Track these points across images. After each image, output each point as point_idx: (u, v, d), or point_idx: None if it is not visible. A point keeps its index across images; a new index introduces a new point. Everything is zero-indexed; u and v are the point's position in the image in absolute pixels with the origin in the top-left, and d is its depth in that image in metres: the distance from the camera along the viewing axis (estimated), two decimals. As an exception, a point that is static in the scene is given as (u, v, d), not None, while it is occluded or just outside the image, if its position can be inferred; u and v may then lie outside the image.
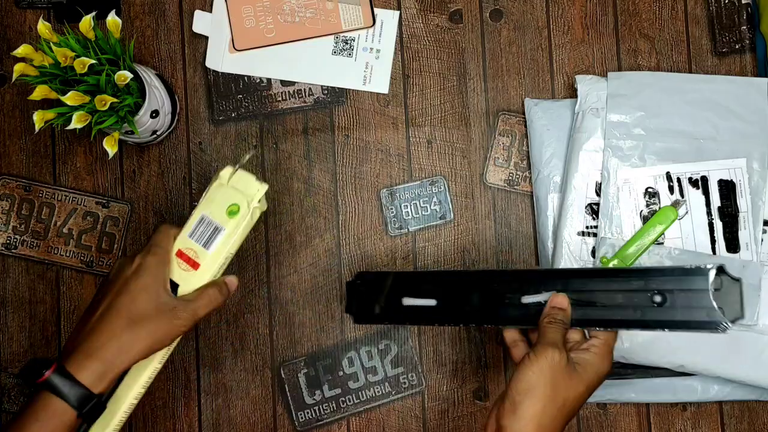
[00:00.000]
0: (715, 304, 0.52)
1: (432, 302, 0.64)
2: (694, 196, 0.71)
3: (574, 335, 0.60)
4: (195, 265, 0.58)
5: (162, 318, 0.54)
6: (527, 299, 0.60)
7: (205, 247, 0.58)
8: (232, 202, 0.59)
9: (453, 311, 0.63)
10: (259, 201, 0.60)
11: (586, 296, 0.57)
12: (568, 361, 0.55)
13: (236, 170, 0.60)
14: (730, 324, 0.52)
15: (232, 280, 0.60)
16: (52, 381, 0.51)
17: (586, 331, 0.60)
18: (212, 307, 0.58)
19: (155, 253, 0.56)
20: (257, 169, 0.78)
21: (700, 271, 0.53)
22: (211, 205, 0.59)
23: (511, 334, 0.61)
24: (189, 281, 0.58)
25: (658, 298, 0.54)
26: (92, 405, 0.52)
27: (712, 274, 0.52)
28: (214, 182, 0.60)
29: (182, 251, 0.58)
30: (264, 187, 0.60)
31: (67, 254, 0.77)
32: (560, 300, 0.58)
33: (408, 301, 0.65)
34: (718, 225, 0.71)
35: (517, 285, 0.60)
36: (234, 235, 0.59)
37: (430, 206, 0.77)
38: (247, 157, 0.62)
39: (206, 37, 0.78)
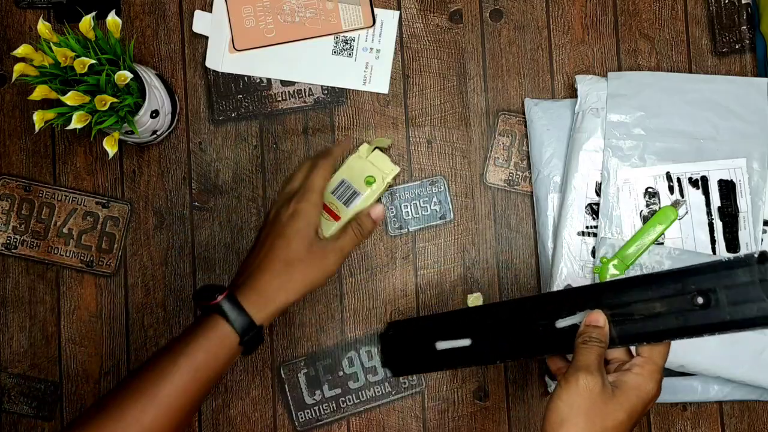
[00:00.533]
0: (765, 296, 0.46)
1: (466, 342, 0.61)
2: (694, 196, 0.71)
3: (617, 354, 0.55)
4: (336, 218, 0.70)
5: (314, 259, 0.59)
6: (561, 323, 0.55)
7: (345, 205, 0.71)
8: (370, 174, 0.73)
9: (488, 348, 0.60)
10: (392, 179, 0.74)
11: (623, 310, 0.52)
12: (604, 385, 0.50)
13: (373, 150, 0.74)
14: None
15: (377, 210, 0.63)
16: (223, 306, 0.55)
17: (633, 349, 0.55)
18: (356, 243, 0.62)
19: (308, 200, 0.60)
20: (257, 169, 0.78)
21: (742, 262, 0.47)
22: (351, 172, 0.73)
23: (554, 363, 0.58)
24: (329, 228, 0.69)
25: (700, 300, 0.49)
26: (253, 334, 0.56)
27: (757, 263, 0.47)
28: (353, 155, 0.74)
29: (326, 204, 0.70)
30: (396, 170, 0.74)
31: (67, 254, 0.77)
32: (595, 317, 0.52)
33: (442, 345, 0.63)
34: (718, 225, 0.71)
35: (549, 309, 0.56)
36: (368, 200, 0.72)
37: (430, 206, 0.77)
38: (388, 143, 0.76)
39: (206, 37, 0.78)
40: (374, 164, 0.74)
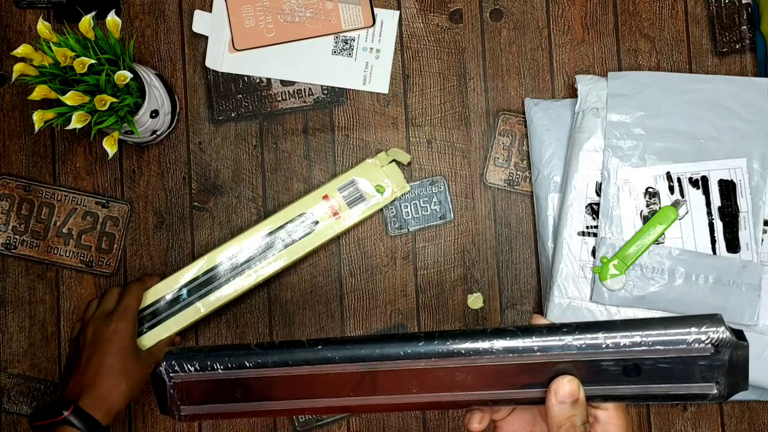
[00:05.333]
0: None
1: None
2: (695, 196, 0.71)
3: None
4: (336, 215, 0.73)
5: (142, 368, 0.70)
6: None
7: (348, 206, 0.73)
8: (380, 183, 0.74)
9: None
10: (398, 195, 0.75)
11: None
12: None
13: (390, 161, 0.75)
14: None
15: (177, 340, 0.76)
16: (71, 419, 0.63)
17: None
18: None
19: (128, 318, 0.70)
20: (257, 169, 0.78)
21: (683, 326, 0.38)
22: (363, 175, 0.74)
23: (477, 427, 0.43)
24: (332, 227, 0.73)
25: (631, 367, 0.38)
26: None
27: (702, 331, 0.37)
28: (370, 159, 0.74)
29: (329, 197, 0.73)
30: (407, 188, 0.75)
31: (67, 254, 0.77)
32: (570, 388, 0.38)
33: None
34: (719, 225, 0.71)
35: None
36: (371, 210, 0.74)
37: (430, 206, 0.77)
38: (408, 159, 0.76)
39: (206, 37, 0.78)
40: (387, 176, 0.74)
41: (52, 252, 0.77)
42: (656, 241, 0.70)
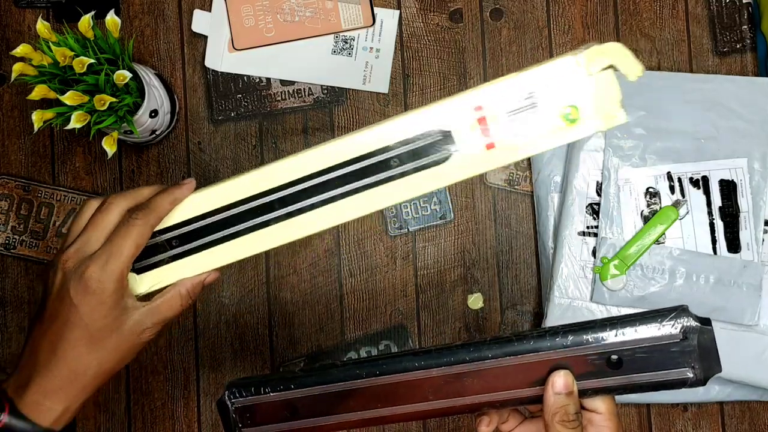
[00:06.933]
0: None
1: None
2: (695, 195, 0.71)
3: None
4: (491, 146, 0.45)
5: (120, 338, 0.47)
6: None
7: (514, 135, 0.44)
8: (574, 104, 0.43)
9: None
10: (603, 129, 0.45)
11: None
12: None
13: (607, 68, 0.44)
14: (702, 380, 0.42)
15: (212, 277, 0.50)
16: (10, 425, 0.45)
17: None
18: (178, 312, 0.49)
19: (111, 266, 0.47)
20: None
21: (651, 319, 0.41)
22: (550, 83, 0.44)
23: (485, 429, 0.46)
24: (477, 161, 0.45)
25: (614, 359, 0.42)
26: None
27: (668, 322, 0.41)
28: (570, 56, 0.43)
29: (484, 111, 0.44)
30: (622, 120, 0.42)
31: (66, 254, 0.77)
32: (565, 381, 0.42)
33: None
34: (719, 225, 0.71)
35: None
36: (548, 144, 0.43)
37: (430, 206, 0.77)
38: (639, 71, 0.44)
39: (205, 37, 0.78)
40: (595, 91, 0.42)
41: (51, 252, 0.77)
42: (657, 241, 0.70)
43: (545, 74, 0.43)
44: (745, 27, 0.77)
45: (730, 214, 0.70)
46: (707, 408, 0.75)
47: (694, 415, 0.75)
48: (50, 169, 0.78)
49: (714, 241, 0.70)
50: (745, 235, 0.70)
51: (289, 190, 0.48)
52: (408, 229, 0.77)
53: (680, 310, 0.41)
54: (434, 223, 0.77)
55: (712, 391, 0.72)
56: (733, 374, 0.69)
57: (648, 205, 0.71)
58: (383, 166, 0.47)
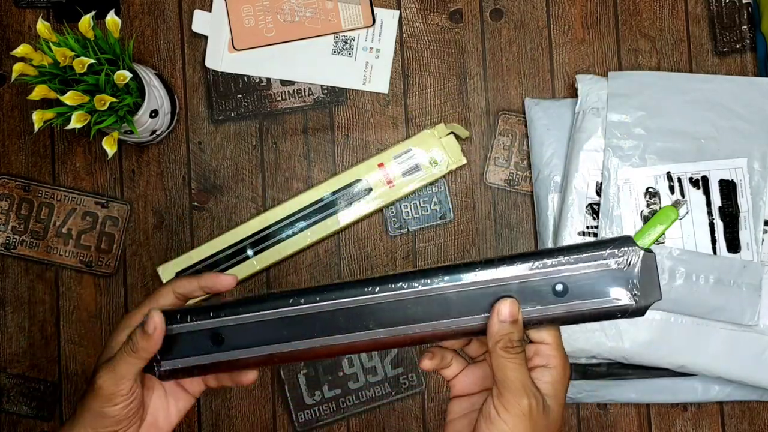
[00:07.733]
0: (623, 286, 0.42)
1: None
2: (695, 196, 0.71)
3: None
4: (390, 183, 0.74)
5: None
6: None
7: (403, 176, 0.74)
8: (435, 157, 0.74)
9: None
10: (453, 168, 0.75)
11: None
12: (544, 402, 0.43)
13: (448, 133, 0.74)
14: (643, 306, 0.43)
15: (153, 323, 0.46)
16: None
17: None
18: (131, 363, 0.46)
19: (105, 372, 0.46)
20: (257, 169, 0.78)
21: (596, 248, 0.43)
22: (420, 145, 0.75)
23: (428, 363, 0.47)
24: (385, 195, 0.75)
25: (559, 287, 0.43)
26: None
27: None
28: (428, 130, 0.75)
29: (384, 165, 0.74)
30: (463, 161, 0.75)
31: (66, 254, 0.77)
32: (510, 309, 0.42)
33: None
34: (719, 225, 0.71)
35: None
36: (425, 180, 0.75)
37: (430, 206, 0.77)
38: (467, 134, 0.75)
39: (206, 37, 0.78)
40: (445, 147, 0.74)
41: (51, 252, 0.77)
42: (656, 242, 0.70)
43: (417, 140, 0.75)
44: (745, 27, 0.77)
45: (730, 214, 0.70)
46: (707, 408, 0.75)
47: (694, 415, 0.75)
48: (50, 169, 0.78)
49: (714, 241, 0.70)
50: (744, 235, 0.70)
51: (258, 235, 0.75)
52: (408, 229, 0.77)
53: (624, 238, 0.43)
54: (434, 223, 0.77)
55: (712, 391, 0.72)
56: (733, 374, 0.69)
57: (648, 205, 0.71)
58: (329, 206, 0.75)
